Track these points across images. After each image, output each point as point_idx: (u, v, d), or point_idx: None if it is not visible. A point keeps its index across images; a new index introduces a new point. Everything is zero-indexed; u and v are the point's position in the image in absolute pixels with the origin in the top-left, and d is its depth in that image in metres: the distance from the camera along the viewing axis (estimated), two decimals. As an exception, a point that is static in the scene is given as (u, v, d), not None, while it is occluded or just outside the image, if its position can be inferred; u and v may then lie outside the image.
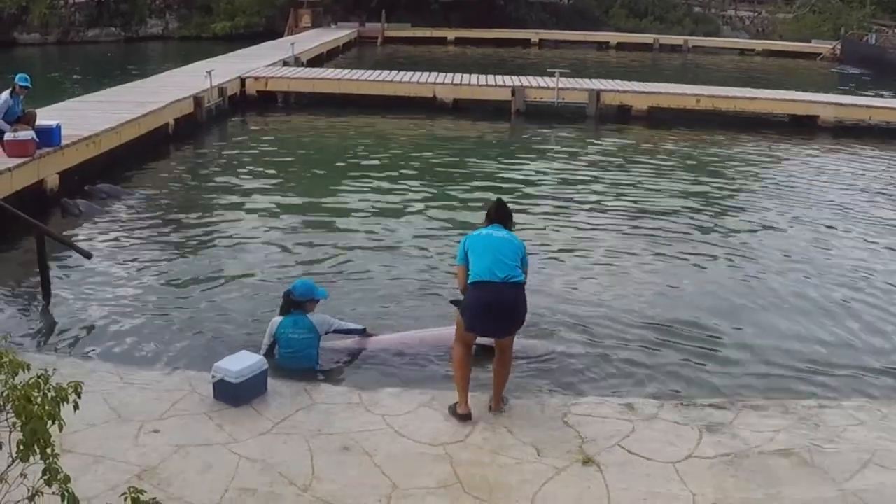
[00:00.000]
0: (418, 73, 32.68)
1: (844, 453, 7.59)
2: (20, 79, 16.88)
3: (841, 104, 30.27)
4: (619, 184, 20.07)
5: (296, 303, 9.71)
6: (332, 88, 30.90)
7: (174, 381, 8.64)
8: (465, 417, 8.00)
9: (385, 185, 19.16)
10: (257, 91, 30.11)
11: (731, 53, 60.99)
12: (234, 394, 8.06)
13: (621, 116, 29.66)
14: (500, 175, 20.82)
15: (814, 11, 71.27)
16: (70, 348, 10.15)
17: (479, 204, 17.48)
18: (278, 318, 9.76)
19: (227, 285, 12.49)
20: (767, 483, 7.06)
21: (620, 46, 60.94)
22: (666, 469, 7.23)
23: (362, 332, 10.28)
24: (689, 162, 23.21)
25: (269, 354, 9.50)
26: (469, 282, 8.08)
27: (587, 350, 10.51)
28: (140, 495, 4.45)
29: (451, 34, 60.33)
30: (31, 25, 54.35)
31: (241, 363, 8.20)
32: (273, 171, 20.61)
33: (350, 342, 10.26)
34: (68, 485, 4.33)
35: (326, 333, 9.83)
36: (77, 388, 4.55)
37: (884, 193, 20.13)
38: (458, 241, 14.42)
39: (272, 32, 54.08)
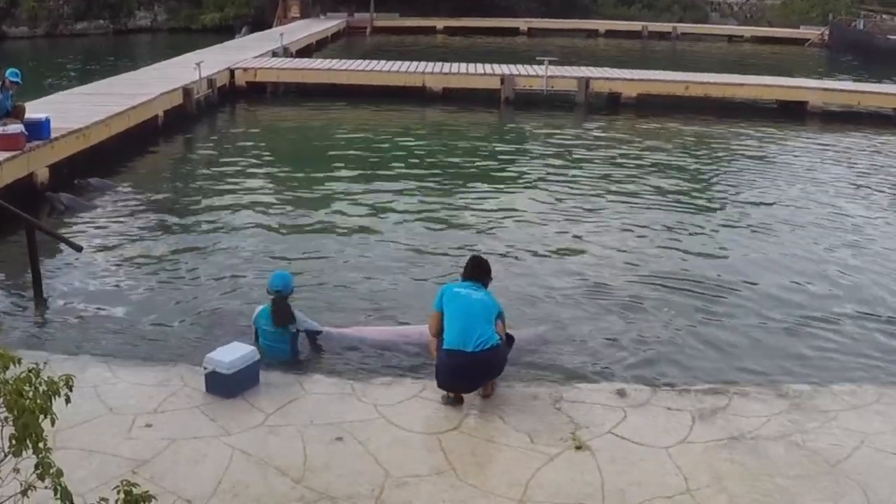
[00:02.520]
0: (407, 63, 32.62)
1: (836, 437, 7.62)
2: (10, 74, 16.82)
3: (829, 90, 30.35)
4: (608, 171, 20.06)
5: (286, 298, 9.62)
6: (321, 79, 30.87)
7: (166, 375, 8.62)
8: (456, 399, 8.07)
9: (375, 174, 19.13)
10: (247, 82, 30.08)
11: (719, 40, 60.98)
12: (227, 385, 8.05)
13: (611, 104, 29.68)
14: (490, 164, 20.81)
15: (802, -3, 71.29)
16: (61, 342, 10.09)
17: (469, 194, 17.52)
18: (259, 308, 9.72)
19: (217, 277, 12.47)
20: (760, 467, 7.08)
21: (609, 34, 60.88)
22: (659, 454, 7.25)
23: (319, 334, 9.99)
24: (678, 148, 23.18)
25: (256, 342, 9.47)
26: (442, 346, 8.19)
27: (579, 337, 10.52)
28: (133, 488, 4.45)
29: (440, 23, 60.21)
30: (19, 18, 54.14)
31: (232, 354, 8.19)
32: (263, 162, 20.57)
33: (347, 331, 10.19)
34: (61, 479, 4.33)
35: (298, 332, 9.69)
36: (69, 382, 4.54)
37: (873, 177, 20.15)
38: (450, 233, 14.65)
39: (261, 23, 53.91)
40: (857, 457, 7.30)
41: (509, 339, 9.43)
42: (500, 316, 8.47)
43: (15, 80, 16.80)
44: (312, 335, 9.86)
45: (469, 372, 8.07)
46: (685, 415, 7.96)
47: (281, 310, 9.52)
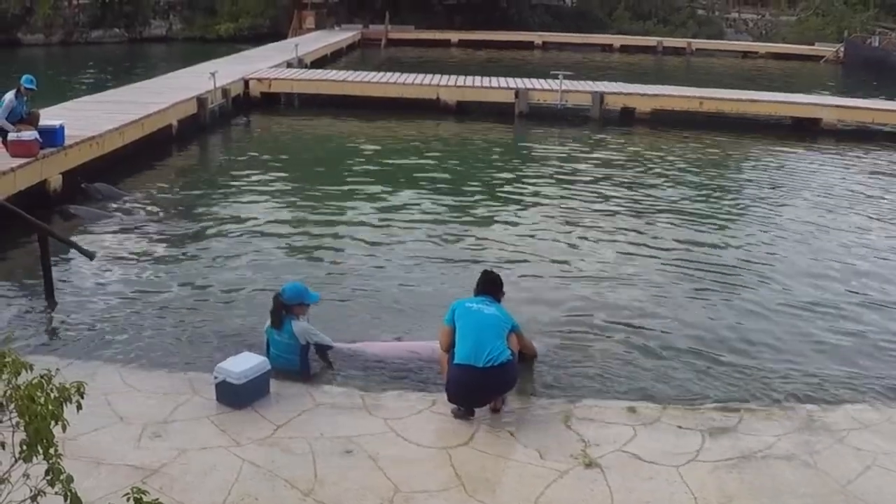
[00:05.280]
0: (421, 75, 32.62)
1: (847, 457, 7.59)
2: (26, 80, 16.86)
3: (843, 107, 30.18)
4: (622, 186, 20.02)
5: (285, 306, 9.61)
6: (335, 90, 30.87)
7: (176, 384, 8.65)
8: (467, 413, 8.09)
9: (388, 187, 19.12)
10: (261, 92, 30.13)
11: (734, 56, 60.87)
12: (237, 395, 8.07)
13: (625, 119, 29.62)
14: (503, 177, 20.80)
15: (817, 14, 71.12)
16: (72, 349, 10.11)
17: (483, 208, 17.51)
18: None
19: (229, 287, 12.47)
20: (770, 487, 7.06)
21: (624, 49, 60.83)
22: (669, 473, 7.23)
23: (329, 348, 9.90)
24: (692, 164, 23.14)
25: (267, 352, 9.46)
26: (453, 361, 8.20)
27: (590, 353, 10.47)
28: (143, 496, 4.45)
29: (454, 36, 60.27)
30: (34, 26, 54.38)
31: (243, 364, 8.21)
32: (275, 173, 20.60)
33: (358, 346, 10.16)
34: (71, 485, 4.34)
35: (307, 343, 9.65)
36: (80, 389, 4.55)
37: (889, 193, 20.06)
38: (462, 247, 14.64)
39: (276, 34, 54.13)
40: (867, 477, 7.28)
41: (530, 354, 9.50)
42: (514, 330, 8.47)
43: (30, 86, 16.85)
44: (323, 349, 9.85)
45: (480, 387, 8.07)
46: (695, 433, 7.94)
47: (276, 309, 9.57)
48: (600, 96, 29.48)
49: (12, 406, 4.36)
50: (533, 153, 24.27)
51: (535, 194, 19.05)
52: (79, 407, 4.55)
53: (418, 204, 17.70)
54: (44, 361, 7.66)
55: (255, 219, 16.18)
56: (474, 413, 8.13)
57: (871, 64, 52.02)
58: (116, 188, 17.60)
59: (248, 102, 29.61)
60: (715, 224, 16.98)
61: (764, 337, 11.31)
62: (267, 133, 26.69)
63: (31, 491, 4.41)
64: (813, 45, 61.79)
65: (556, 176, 21.15)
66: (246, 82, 29.92)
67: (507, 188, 19.51)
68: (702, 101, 29.77)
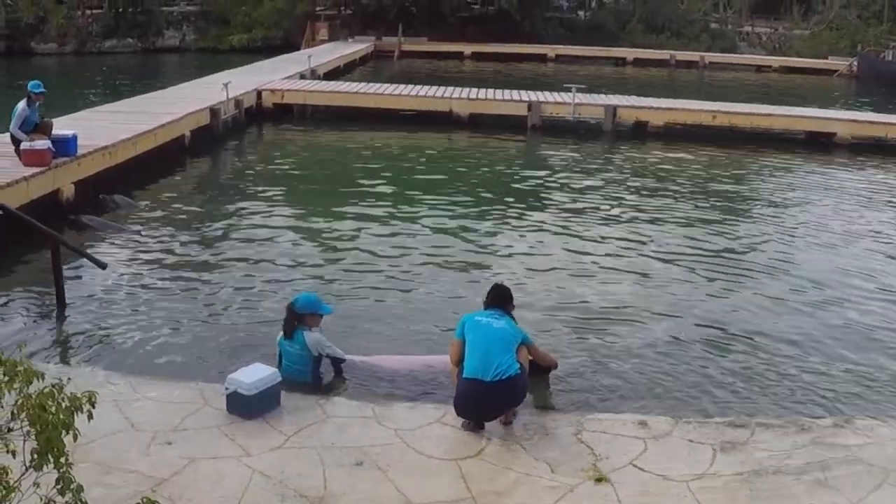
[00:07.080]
0: (434, 88, 32.61)
1: (859, 473, 7.53)
2: (33, 86, 16.79)
3: (858, 121, 30.11)
4: (635, 199, 20.02)
5: (297, 316, 9.62)
6: (348, 102, 30.89)
7: (187, 393, 8.64)
8: (477, 425, 8.08)
9: (400, 199, 19.13)
10: (274, 103, 30.13)
11: (747, 70, 60.83)
12: (247, 406, 8.06)
13: (637, 132, 29.56)
14: (516, 190, 20.80)
15: (831, 28, 71.03)
16: (84, 358, 10.16)
17: (495, 221, 17.50)
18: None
19: (240, 297, 12.49)
20: (782, 502, 7.01)
21: (637, 62, 60.85)
22: (679, 488, 7.19)
23: (343, 361, 9.89)
24: (705, 178, 23.11)
25: (279, 364, 9.47)
26: (462, 375, 8.20)
27: (602, 366, 10.46)
28: (152, 507, 4.46)
29: (467, 49, 60.32)
30: (48, 35, 54.62)
31: (254, 375, 8.20)
32: (288, 184, 20.64)
33: (371, 359, 10.12)
34: (81, 494, 4.34)
35: (319, 355, 9.66)
36: (91, 398, 4.57)
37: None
38: (475, 260, 14.63)
39: (289, 45, 54.24)
40: (879, 495, 7.21)
41: (546, 365, 9.49)
42: (524, 343, 8.45)
43: (38, 90, 16.71)
44: (336, 362, 9.84)
45: (487, 401, 8.04)
46: (706, 448, 7.89)
47: (288, 319, 9.61)
48: (613, 109, 29.45)
49: (24, 415, 4.36)
50: (546, 166, 24.26)
51: (548, 206, 19.06)
52: (90, 417, 4.55)
53: (430, 216, 17.70)
54: (55, 370, 7.69)
55: (267, 229, 16.20)
56: (484, 426, 8.11)
57: (884, 78, 51.90)
58: (132, 200, 17.66)
59: (261, 113, 29.64)
60: (728, 236, 16.97)
61: (776, 349, 11.28)
62: (279, 144, 26.73)
63: (41, 500, 4.41)
64: (826, 58, 61.74)
65: (568, 188, 21.15)
66: (259, 93, 29.95)
67: (519, 201, 19.49)
68: (715, 114, 29.73)
